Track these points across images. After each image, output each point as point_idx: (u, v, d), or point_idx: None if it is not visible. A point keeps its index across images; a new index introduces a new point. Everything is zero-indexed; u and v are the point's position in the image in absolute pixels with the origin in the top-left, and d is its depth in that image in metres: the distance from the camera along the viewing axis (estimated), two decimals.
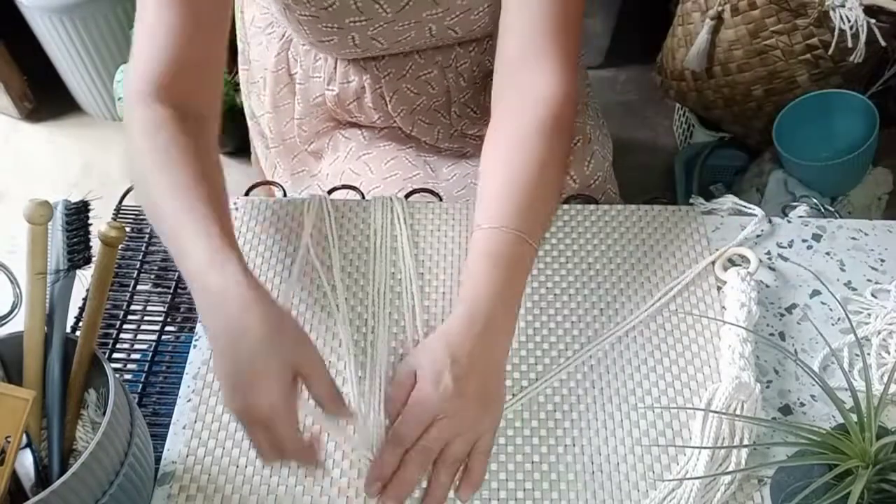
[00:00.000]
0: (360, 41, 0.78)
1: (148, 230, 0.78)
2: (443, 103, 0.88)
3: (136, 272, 0.74)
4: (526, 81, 0.68)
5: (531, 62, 0.68)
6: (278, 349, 0.52)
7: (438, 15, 0.76)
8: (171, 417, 0.62)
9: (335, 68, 0.86)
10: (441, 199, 0.80)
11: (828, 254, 0.74)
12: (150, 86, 0.63)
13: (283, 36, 0.89)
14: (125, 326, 0.70)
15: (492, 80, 0.89)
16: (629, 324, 0.68)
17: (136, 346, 0.69)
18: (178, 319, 0.72)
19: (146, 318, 0.72)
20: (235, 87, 1.58)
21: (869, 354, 0.67)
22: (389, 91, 0.85)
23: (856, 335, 0.54)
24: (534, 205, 0.64)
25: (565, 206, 0.77)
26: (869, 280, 0.72)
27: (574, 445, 0.61)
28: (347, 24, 0.76)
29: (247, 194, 0.79)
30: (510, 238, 0.62)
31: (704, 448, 0.59)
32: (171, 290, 0.73)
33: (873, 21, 1.13)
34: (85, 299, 0.56)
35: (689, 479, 0.58)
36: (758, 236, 0.76)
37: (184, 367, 0.65)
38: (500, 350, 0.61)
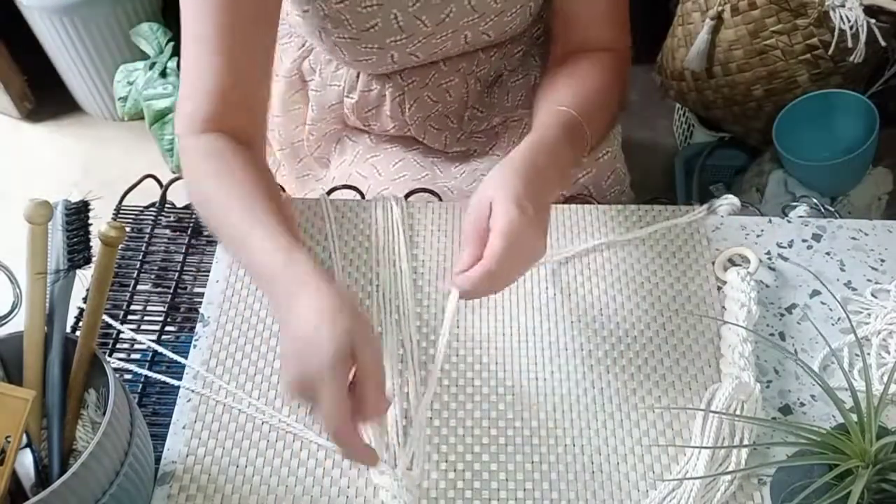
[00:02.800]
0: (398, 58, 0.79)
1: (148, 230, 0.78)
2: (455, 109, 0.89)
3: (136, 272, 0.74)
4: (591, 39, 0.79)
5: (595, 29, 0.79)
6: (335, 336, 0.51)
7: (474, 21, 0.77)
8: (171, 417, 0.62)
9: (357, 78, 0.86)
10: (441, 199, 0.80)
11: (828, 254, 0.74)
12: (201, 122, 0.66)
13: (303, 45, 0.89)
14: (125, 326, 0.70)
15: (501, 79, 0.89)
16: (629, 324, 0.68)
17: (136, 346, 0.69)
18: (178, 319, 0.72)
19: (146, 318, 0.72)
20: None
21: (869, 354, 0.67)
22: (410, 99, 0.85)
23: (856, 335, 0.54)
24: (598, 108, 0.74)
25: (565, 207, 0.77)
26: (869, 280, 0.72)
27: (574, 445, 0.61)
28: (388, 44, 0.77)
29: None
30: (573, 118, 0.70)
31: (704, 448, 0.59)
32: (171, 290, 0.73)
33: (873, 21, 1.13)
34: (85, 299, 0.56)
35: (688, 479, 0.58)
36: (758, 236, 0.76)
37: (184, 367, 0.65)
38: (553, 194, 0.66)
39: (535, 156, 0.64)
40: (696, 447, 0.60)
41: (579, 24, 0.79)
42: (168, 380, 0.65)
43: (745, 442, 0.60)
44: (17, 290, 0.51)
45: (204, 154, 0.66)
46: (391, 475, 0.57)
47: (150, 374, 0.66)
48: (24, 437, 0.49)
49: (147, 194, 0.80)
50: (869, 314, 0.70)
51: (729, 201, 0.78)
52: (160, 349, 0.67)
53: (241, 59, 0.66)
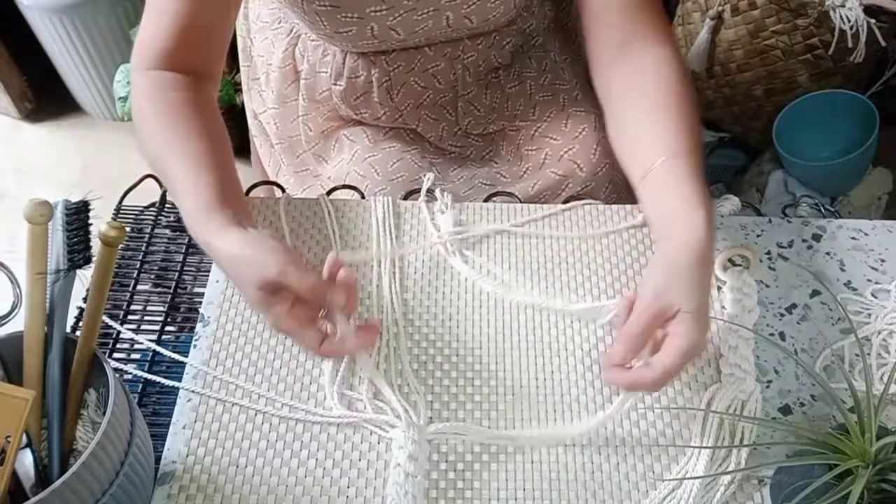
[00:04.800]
0: (378, 31, 0.79)
1: (148, 230, 0.78)
2: (449, 99, 0.89)
3: (136, 272, 0.74)
4: (642, 59, 0.70)
5: (641, 39, 0.71)
6: (254, 261, 0.58)
7: (456, 2, 0.77)
8: (171, 417, 0.62)
9: (343, 63, 0.86)
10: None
11: (828, 254, 0.74)
12: (154, 53, 0.69)
13: (291, 31, 0.89)
14: (125, 326, 0.70)
15: (494, 78, 0.89)
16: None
17: (136, 346, 0.69)
18: (178, 319, 0.72)
19: (146, 318, 0.71)
20: (236, 87, 1.58)
21: (869, 354, 0.67)
22: (397, 85, 0.85)
23: (856, 335, 0.54)
24: (696, 141, 0.66)
25: (565, 207, 0.77)
26: (869, 280, 0.72)
27: (574, 445, 0.61)
28: (368, 14, 0.76)
29: (247, 194, 0.79)
30: (694, 161, 0.63)
31: (704, 448, 0.59)
32: (171, 290, 0.73)
33: (873, 21, 1.13)
34: (85, 299, 0.56)
35: (688, 478, 0.58)
36: (758, 236, 0.76)
37: (184, 367, 0.65)
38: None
39: (702, 246, 0.59)
40: (696, 447, 0.60)
41: (614, 17, 0.72)
42: (168, 382, 0.65)
43: (745, 442, 0.60)
44: (17, 290, 0.51)
45: (150, 93, 0.68)
46: (401, 427, 0.59)
47: (149, 376, 0.66)
48: (24, 437, 0.50)
49: (147, 194, 0.80)
50: (869, 314, 0.70)
51: (729, 201, 0.78)
52: (160, 349, 0.67)
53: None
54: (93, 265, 0.51)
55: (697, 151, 0.65)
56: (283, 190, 0.81)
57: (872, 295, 0.71)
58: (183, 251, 0.76)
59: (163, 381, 0.65)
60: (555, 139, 0.86)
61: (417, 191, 0.81)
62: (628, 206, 0.77)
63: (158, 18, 0.68)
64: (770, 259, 0.74)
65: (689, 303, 0.57)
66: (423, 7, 0.77)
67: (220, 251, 0.60)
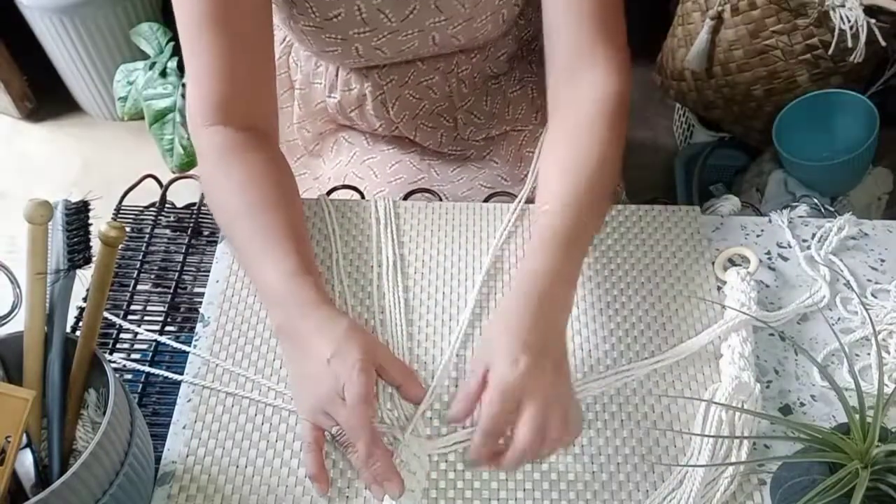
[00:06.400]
0: (363, 51, 0.78)
1: (148, 230, 0.78)
2: (446, 108, 0.88)
3: (136, 272, 0.74)
4: (581, 82, 0.69)
5: (584, 62, 0.69)
6: (351, 353, 0.57)
7: (442, 23, 0.76)
8: (171, 417, 0.62)
9: (336, 76, 0.85)
10: (440, 199, 0.80)
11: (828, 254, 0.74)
12: (212, 107, 0.67)
13: (284, 40, 0.88)
14: (125, 326, 0.70)
15: (494, 84, 0.89)
16: (629, 324, 0.68)
17: (136, 346, 0.69)
18: (178, 319, 0.72)
19: (146, 318, 0.71)
20: None
21: (869, 355, 0.67)
22: (392, 98, 0.85)
23: (874, 335, 0.54)
24: (594, 187, 0.64)
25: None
26: (869, 280, 0.72)
27: (574, 445, 0.61)
28: (351, 36, 0.76)
29: None
30: (569, 215, 0.62)
31: (706, 436, 0.59)
32: (171, 290, 0.73)
33: (873, 21, 1.13)
34: (85, 299, 0.56)
35: (692, 466, 0.58)
36: (758, 236, 0.76)
37: (184, 367, 0.65)
38: (560, 323, 0.59)
39: (528, 296, 0.58)
40: (699, 434, 0.60)
41: (562, 39, 0.70)
42: (169, 374, 0.65)
43: (746, 443, 0.60)
44: (17, 290, 0.51)
45: (217, 153, 0.67)
46: (402, 442, 0.59)
47: (150, 370, 0.66)
48: (24, 437, 0.49)
49: (147, 194, 0.80)
50: (869, 314, 0.69)
51: (729, 201, 0.78)
52: (163, 339, 0.67)
53: (243, 37, 0.67)
54: (93, 265, 0.51)
55: (586, 206, 0.63)
56: None
57: (872, 295, 0.71)
58: (183, 251, 0.76)
59: (164, 373, 0.65)
60: None
61: (416, 191, 0.81)
62: (632, 206, 0.77)
63: (202, 69, 0.67)
64: (770, 259, 0.74)
65: (498, 353, 0.55)
66: (407, 28, 0.76)
67: (316, 323, 0.59)
